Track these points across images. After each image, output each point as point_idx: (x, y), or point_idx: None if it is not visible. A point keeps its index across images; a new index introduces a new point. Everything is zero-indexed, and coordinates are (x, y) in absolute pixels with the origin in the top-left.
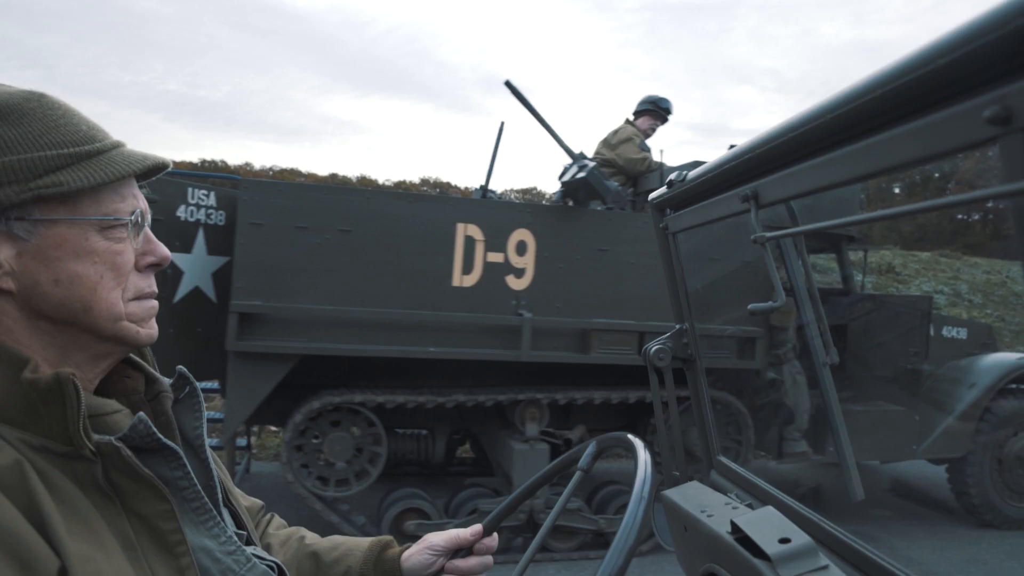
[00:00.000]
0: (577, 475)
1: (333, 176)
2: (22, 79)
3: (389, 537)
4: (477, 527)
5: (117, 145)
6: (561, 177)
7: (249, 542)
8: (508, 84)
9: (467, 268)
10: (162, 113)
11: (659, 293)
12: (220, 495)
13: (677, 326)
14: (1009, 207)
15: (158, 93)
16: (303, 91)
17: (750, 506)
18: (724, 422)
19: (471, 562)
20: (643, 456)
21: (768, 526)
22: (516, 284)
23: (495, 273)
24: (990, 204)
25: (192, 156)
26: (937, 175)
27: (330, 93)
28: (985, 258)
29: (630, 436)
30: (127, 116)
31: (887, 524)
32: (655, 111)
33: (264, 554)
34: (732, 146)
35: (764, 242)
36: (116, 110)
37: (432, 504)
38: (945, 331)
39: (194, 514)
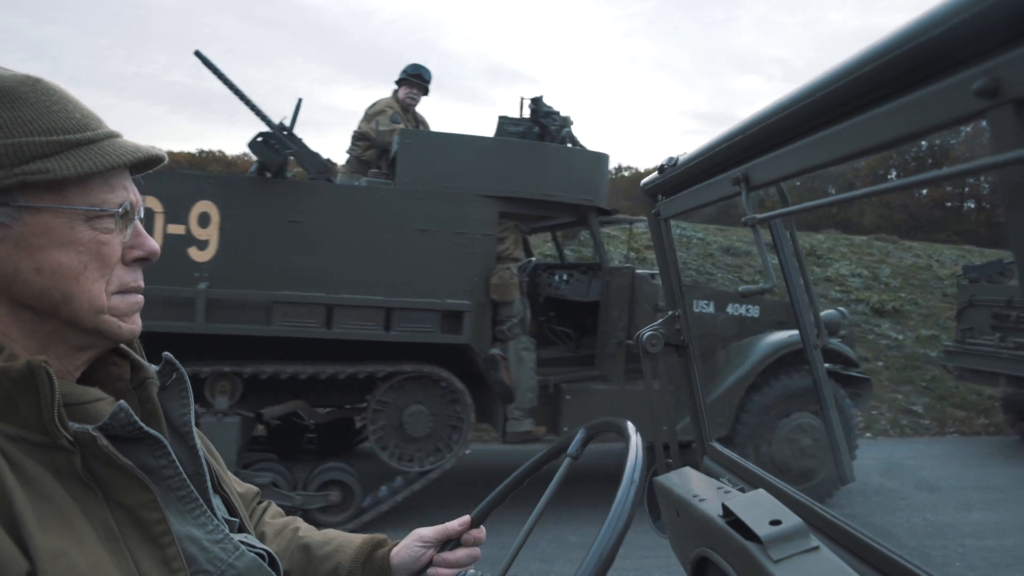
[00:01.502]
0: (567, 461)
1: None
2: (27, 71)
3: (382, 536)
4: (465, 518)
5: (111, 135)
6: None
7: (242, 529)
8: (198, 54)
9: None
10: (167, 105)
11: (352, 264)
12: (209, 482)
13: (670, 312)
14: (996, 179)
15: (163, 84)
16: (308, 81)
17: (742, 490)
18: (449, 400)
19: (459, 553)
20: (634, 440)
21: (759, 509)
22: (199, 256)
23: (175, 245)
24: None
25: (192, 147)
26: (931, 161)
27: (335, 83)
28: (923, 242)
29: (620, 421)
30: (132, 107)
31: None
32: (410, 80)
33: (255, 542)
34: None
35: (755, 223)
36: (121, 102)
37: None
38: (731, 309)
39: (180, 503)
